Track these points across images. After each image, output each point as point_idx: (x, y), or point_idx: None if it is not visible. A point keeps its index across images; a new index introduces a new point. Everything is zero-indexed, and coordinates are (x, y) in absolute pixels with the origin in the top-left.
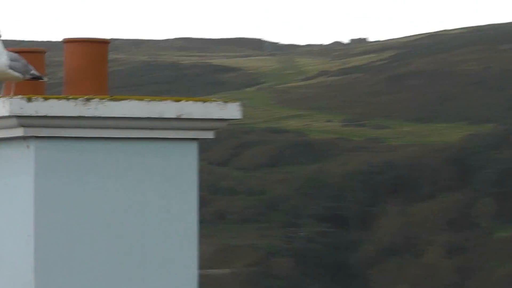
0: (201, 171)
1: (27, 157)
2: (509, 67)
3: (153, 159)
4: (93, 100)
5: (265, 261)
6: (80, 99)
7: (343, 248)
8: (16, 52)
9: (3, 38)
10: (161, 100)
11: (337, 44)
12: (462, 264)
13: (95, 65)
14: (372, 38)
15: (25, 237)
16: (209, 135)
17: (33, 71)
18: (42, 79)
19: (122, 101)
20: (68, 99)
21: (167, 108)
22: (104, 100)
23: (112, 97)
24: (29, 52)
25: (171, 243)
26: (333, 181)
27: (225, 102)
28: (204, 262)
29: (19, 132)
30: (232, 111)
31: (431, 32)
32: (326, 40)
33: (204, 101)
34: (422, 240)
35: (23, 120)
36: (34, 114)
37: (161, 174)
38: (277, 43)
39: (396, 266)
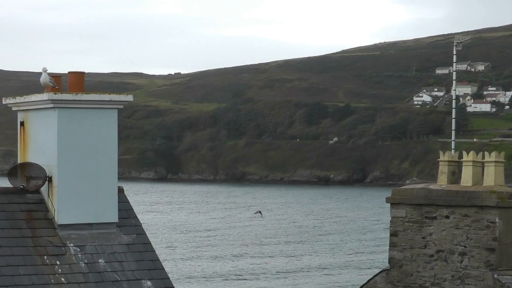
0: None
1: (54, 115)
2: None
3: (106, 116)
4: (79, 93)
5: None
6: (75, 93)
7: None
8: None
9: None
10: (103, 93)
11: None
12: None
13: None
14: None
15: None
16: (120, 106)
17: (54, 84)
18: (56, 87)
19: (91, 94)
20: (70, 93)
21: (107, 97)
22: (83, 94)
23: (86, 92)
24: (55, 76)
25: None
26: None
27: (127, 95)
28: None
29: (51, 105)
30: (129, 98)
31: None
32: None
33: (120, 94)
34: None
35: (53, 101)
36: (56, 98)
37: (107, 120)
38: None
39: None
